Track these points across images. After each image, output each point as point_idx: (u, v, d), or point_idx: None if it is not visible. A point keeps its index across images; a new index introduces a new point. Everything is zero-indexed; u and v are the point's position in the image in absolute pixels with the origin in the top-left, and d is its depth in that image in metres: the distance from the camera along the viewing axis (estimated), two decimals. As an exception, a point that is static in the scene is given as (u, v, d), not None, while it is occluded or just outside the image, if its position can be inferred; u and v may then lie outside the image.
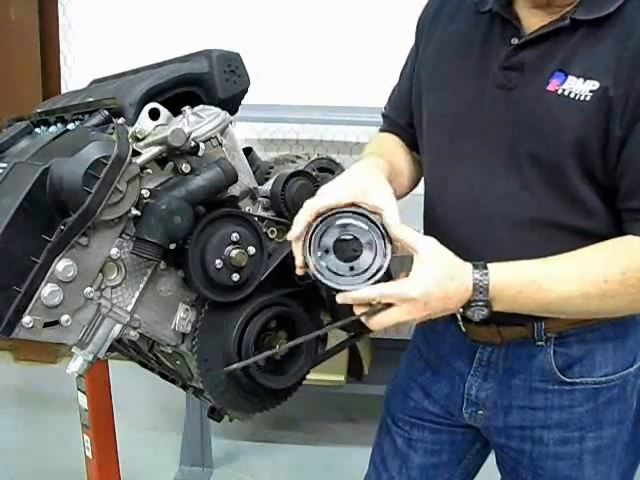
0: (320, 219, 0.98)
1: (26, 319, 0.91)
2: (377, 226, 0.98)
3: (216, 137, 1.06)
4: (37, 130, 1.23)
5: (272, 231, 1.13)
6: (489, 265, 0.98)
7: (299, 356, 1.13)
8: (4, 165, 0.99)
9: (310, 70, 2.86)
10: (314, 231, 0.97)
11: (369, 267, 0.96)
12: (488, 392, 1.19)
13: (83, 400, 1.52)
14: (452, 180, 1.13)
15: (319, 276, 0.96)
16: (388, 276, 0.97)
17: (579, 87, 0.99)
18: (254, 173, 1.15)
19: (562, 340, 1.12)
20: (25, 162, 0.99)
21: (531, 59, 1.04)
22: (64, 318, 0.95)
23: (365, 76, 2.82)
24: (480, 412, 1.20)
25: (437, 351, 1.26)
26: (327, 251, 0.97)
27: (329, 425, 2.76)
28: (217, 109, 1.08)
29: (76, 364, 1.01)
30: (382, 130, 1.34)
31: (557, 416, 1.15)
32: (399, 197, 1.22)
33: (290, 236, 0.99)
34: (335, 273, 0.96)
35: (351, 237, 0.97)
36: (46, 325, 0.94)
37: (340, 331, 1.24)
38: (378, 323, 0.96)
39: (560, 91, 1.00)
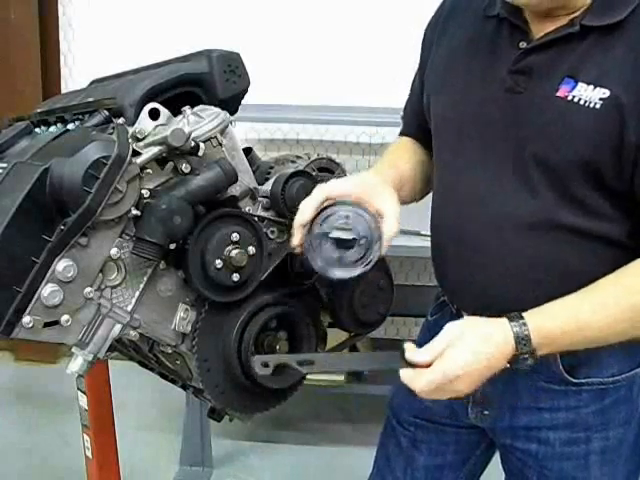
0: (324, 207, 1.03)
1: (26, 319, 0.91)
2: (375, 227, 1.02)
3: (216, 137, 1.05)
4: (37, 130, 1.23)
5: (272, 231, 1.13)
6: (524, 314, 0.99)
7: (299, 356, 1.14)
8: (4, 165, 0.99)
9: (310, 70, 2.85)
10: (316, 218, 1.02)
11: (356, 261, 1.02)
12: (494, 392, 1.18)
13: (83, 400, 1.52)
14: (460, 183, 1.13)
15: (312, 260, 1.02)
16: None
17: (589, 94, 0.99)
18: (254, 173, 1.15)
19: None
20: (25, 162, 0.99)
21: (539, 64, 1.04)
22: (64, 318, 0.95)
23: (365, 76, 2.83)
24: (486, 412, 1.20)
25: None
26: (324, 238, 1.02)
27: (329, 425, 2.75)
28: (217, 109, 1.08)
29: (76, 364, 1.01)
30: (400, 133, 1.38)
31: (563, 417, 1.14)
32: (413, 201, 1.30)
33: (297, 222, 1.03)
34: (326, 260, 1.02)
35: (348, 230, 1.02)
36: (46, 325, 0.94)
37: (340, 331, 1.24)
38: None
39: (570, 97, 1.00)
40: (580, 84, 1.00)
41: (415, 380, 0.97)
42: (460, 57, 1.15)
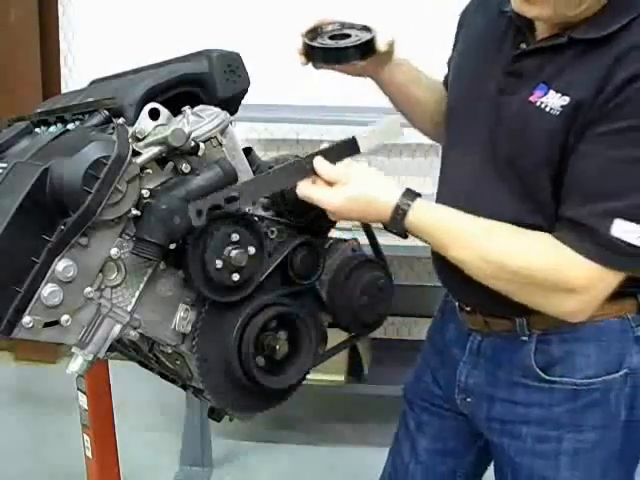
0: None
1: (26, 319, 0.91)
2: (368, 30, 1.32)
3: (216, 137, 1.06)
4: (37, 130, 1.23)
5: (272, 231, 1.13)
6: (419, 200, 1.04)
7: (299, 356, 1.14)
8: (4, 165, 0.99)
9: (310, 70, 2.85)
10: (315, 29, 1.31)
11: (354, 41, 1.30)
12: (476, 380, 1.23)
13: (83, 400, 1.52)
14: (450, 175, 1.19)
15: (316, 50, 1.32)
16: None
17: (554, 101, 1.02)
18: (254, 173, 1.15)
19: (544, 337, 1.14)
20: (25, 162, 0.99)
21: (529, 68, 1.07)
22: (64, 318, 0.95)
23: (365, 76, 2.82)
24: (469, 400, 1.24)
25: (444, 339, 1.31)
26: (323, 37, 1.32)
27: (329, 425, 2.75)
28: (217, 109, 1.08)
29: (76, 364, 1.01)
30: None
31: (537, 412, 1.16)
32: (420, 109, 1.38)
33: (298, 35, 1.27)
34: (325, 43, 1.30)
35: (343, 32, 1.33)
36: (46, 325, 0.94)
37: (340, 331, 1.24)
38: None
39: (538, 103, 1.04)
40: (551, 91, 1.03)
41: (312, 189, 1.05)
42: (473, 50, 1.19)
